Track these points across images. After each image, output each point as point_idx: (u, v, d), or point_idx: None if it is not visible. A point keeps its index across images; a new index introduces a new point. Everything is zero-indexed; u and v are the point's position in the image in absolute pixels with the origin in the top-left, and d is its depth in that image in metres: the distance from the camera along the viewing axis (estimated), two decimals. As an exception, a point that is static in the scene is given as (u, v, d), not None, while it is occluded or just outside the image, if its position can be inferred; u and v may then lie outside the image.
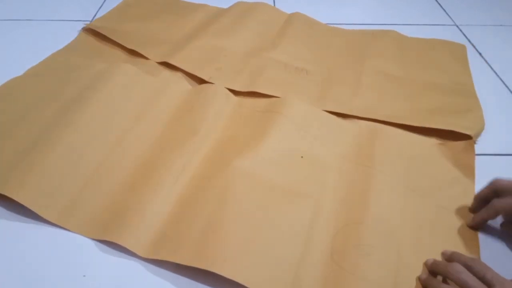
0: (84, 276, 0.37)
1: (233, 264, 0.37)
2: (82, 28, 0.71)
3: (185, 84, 0.60)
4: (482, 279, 0.35)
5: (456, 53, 0.71)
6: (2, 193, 0.41)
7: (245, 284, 0.35)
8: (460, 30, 0.80)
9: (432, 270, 0.39)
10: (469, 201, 0.45)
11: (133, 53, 0.66)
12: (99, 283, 0.37)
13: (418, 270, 0.39)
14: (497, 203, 0.41)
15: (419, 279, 0.39)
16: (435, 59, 0.70)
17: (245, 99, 0.57)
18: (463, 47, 0.73)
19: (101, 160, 0.46)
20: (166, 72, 0.61)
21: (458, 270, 0.35)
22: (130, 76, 0.57)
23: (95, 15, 0.77)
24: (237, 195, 0.43)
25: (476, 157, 0.51)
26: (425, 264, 0.40)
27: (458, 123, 0.53)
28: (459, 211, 0.45)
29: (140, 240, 0.39)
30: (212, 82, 0.59)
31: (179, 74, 0.61)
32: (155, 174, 0.45)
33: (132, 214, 0.41)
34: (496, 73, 0.68)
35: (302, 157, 0.49)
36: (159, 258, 0.38)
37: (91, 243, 0.40)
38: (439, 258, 0.40)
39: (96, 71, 0.58)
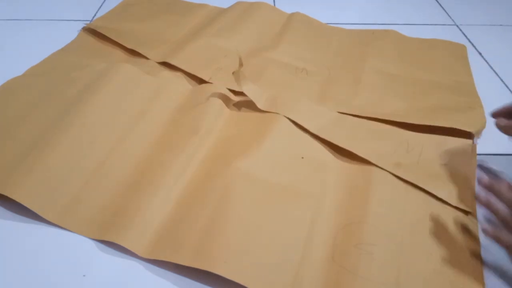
0: (84, 276, 0.37)
1: (234, 265, 0.36)
2: (82, 28, 0.71)
3: (185, 84, 0.59)
4: None
5: (456, 53, 0.71)
6: (2, 193, 0.41)
7: (246, 285, 0.35)
8: (460, 30, 0.80)
9: (493, 192, 0.39)
10: (470, 198, 0.45)
11: (133, 53, 0.66)
12: (99, 283, 0.37)
13: (420, 269, 0.39)
14: None
15: (476, 196, 0.40)
16: (435, 58, 0.70)
17: (245, 99, 0.57)
18: (463, 47, 0.73)
19: (101, 160, 0.46)
20: (166, 72, 0.61)
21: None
22: (130, 76, 0.57)
23: (95, 15, 0.77)
24: (237, 196, 0.42)
25: (477, 156, 0.50)
26: (481, 180, 0.40)
27: (459, 121, 0.53)
28: (461, 209, 0.44)
29: (140, 240, 0.39)
30: (213, 82, 0.59)
31: (179, 74, 0.61)
32: (155, 174, 0.45)
33: (132, 214, 0.41)
34: (496, 73, 0.68)
35: (302, 157, 0.48)
36: (159, 258, 0.38)
37: (91, 242, 0.40)
38: (440, 257, 0.40)
39: (95, 71, 0.58)
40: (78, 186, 0.43)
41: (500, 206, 0.39)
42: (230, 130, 0.52)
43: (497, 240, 0.38)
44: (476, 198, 0.41)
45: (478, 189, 0.41)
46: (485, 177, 0.41)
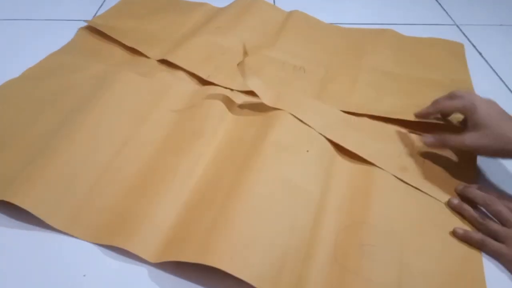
0: (84, 275, 0.37)
1: (239, 262, 0.36)
2: (80, 27, 0.71)
3: (186, 86, 0.59)
4: None
5: (453, 51, 0.72)
6: (9, 200, 0.40)
7: (252, 283, 0.35)
8: (460, 30, 0.80)
9: (465, 195, 0.44)
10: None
11: (133, 51, 0.65)
12: (99, 283, 0.37)
13: (421, 270, 0.39)
14: (442, 101, 0.49)
15: (449, 203, 0.44)
16: (432, 56, 0.70)
17: (247, 98, 0.57)
18: (460, 46, 0.73)
19: (105, 166, 0.45)
20: (166, 73, 0.60)
21: (495, 201, 0.42)
22: (131, 82, 0.56)
23: (95, 14, 0.77)
24: (243, 193, 0.42)
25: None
26: (456, 189, 0.45)
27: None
28: None
29: (148, 246, 0.39)
30: (211, 80, 0.59)
31: (180, 74, 0.61)
32: (160, 179, 0.44)
33: (140, 220, 0.40)
34: (496, 73, 0.68)
35: (307, 151, 0.48)
36: (166, 260, 0.37)
37: (91, 243, 0.40)
38: (441, 258, 0.40)
39: (94, 75, 0.58)
40: (84, 192, 0.43)
41: (467, 207, 0.43)
42: (234, 131, 0.51)
43: (469, 240, 0.41)
44: (448, 203, 0.45)
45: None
46: (460, 186, 0.45)
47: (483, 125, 0.43)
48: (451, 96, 0.48)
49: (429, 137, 0.48)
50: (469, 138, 0.44)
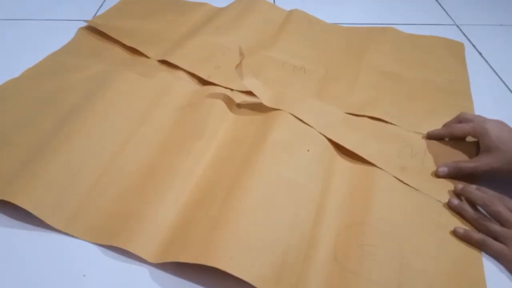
0: (84, 276, 0.37)
1: (240, 262, 0.36)
2: (80, 27, 0.71)
3: (186, 86, 0.59)
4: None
5: (453, 51, 0.72)
6: (9, 200, 0.40)
7: (252, 283, 0.35)
8: (460, 30, 0.80)
9: (464, 196, 0.44)
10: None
11: (133, 51, 0.65)
12: (99, 283, 0.37)
13: (421, 270, 0.39)
14: (454, 125, 0.50)
15: (449, 203, 0.44)
16: (432, 56, 0.70)
17: (247, 98, 0.57)
18: (460, 45, 0.73)
19: (105, 166, 0.45)
20: (167, 73, 0.60)
21: (494, 201, 0.41)
22: (131, 82, 0.56)
23: (95, 14, 0.77)
24: (243, 193, 0.42)
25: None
26: (455, 189, 0.45)
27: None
28: None
29: (149, 246, 0.39)
30: (211, 80, 0.59)
31: (180, 74, 0.61)
32: (161, 179, 0.44)
33: (140, 220, 0.40)
34: (496, 73, 0.68)
35: (308, 150, 0.48)
36: (167, 260, 0.37)
37: (91, 243, 0.40)
38: (441, 258, 0.40)
39: (95, 76, 0.58)
40: (84, 192, 0.43)
41: (467, 208, 0.43)
42: (234, 131, 0.51)
43: (469, 240, 0.41)
44: (448, 204, 0.44)
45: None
46: (459, 186, 0.45)
47: (495, 149, 0.44)
48: (460, 120, 0.50)
49: (443, 168, 0.47)
50: (482, 163, 0.45)
